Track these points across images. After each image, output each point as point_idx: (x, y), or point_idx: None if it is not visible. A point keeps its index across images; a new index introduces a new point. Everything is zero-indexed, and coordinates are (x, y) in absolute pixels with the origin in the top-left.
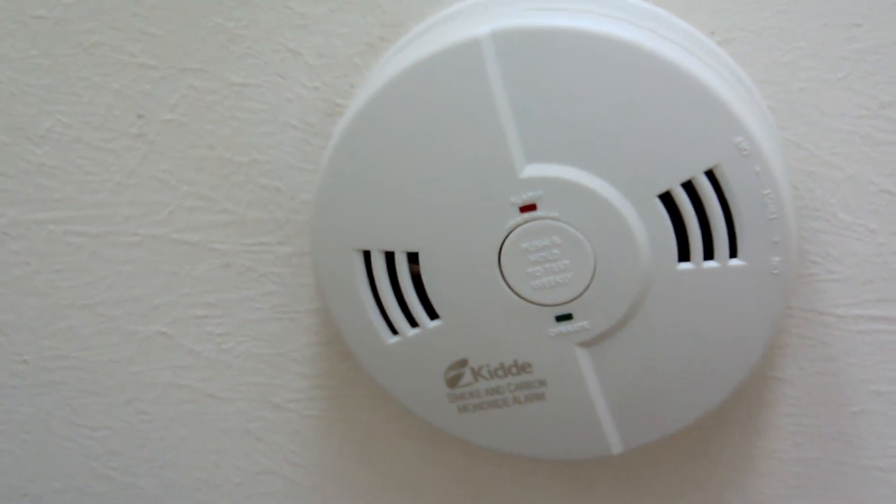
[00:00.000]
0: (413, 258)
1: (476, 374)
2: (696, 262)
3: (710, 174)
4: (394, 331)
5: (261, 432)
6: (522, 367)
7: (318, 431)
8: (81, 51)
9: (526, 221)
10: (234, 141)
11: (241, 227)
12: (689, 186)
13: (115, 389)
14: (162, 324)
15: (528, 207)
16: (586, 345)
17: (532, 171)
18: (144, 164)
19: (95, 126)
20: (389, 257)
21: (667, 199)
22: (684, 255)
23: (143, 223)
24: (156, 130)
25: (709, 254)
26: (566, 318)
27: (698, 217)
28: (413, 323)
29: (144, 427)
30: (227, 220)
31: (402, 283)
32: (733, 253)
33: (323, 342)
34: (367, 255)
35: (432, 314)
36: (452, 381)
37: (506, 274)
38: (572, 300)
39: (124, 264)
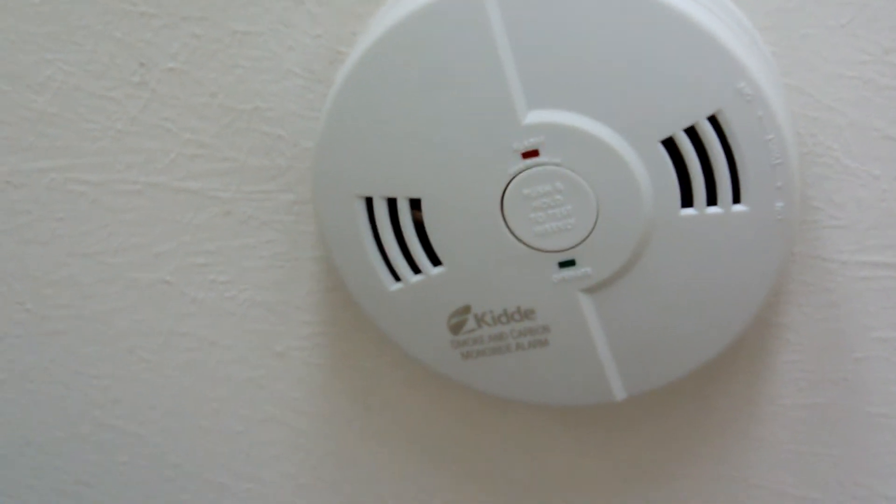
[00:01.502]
0: (415, 204)
1: (479, 320)
2: (700, 208)
3: (713, 119)
4: (396, 277)
5: (263, 380)
6: (526, 314)
7: (321, 379)
8: None
9: (528, 167)
10: (236, 89)
11: (242, 174)
12: (691, 132)
13: (117, 338)
14: (164, 272)
15: (531, 153)
16: (589, 291)
17: (534, 117)
18: (146, 112)
19: (97, 74)
20: (392, 204)
21: (670, 144)
22: (687, 200)
23: (144, 171)
24: (157, 79)
25: (712, 200)
26: (569, 264)
27: (701, 163)
28: (416, 270)
29: (147, 375)
30: (229, 168)
31: (405, 229)
32: (736, 199)
33: (325, 290)
34: (369, 202)
35: (435, 261)
36: (456, 328)
37: (508, 220)
38: (575, 246)
39: (125, 213)
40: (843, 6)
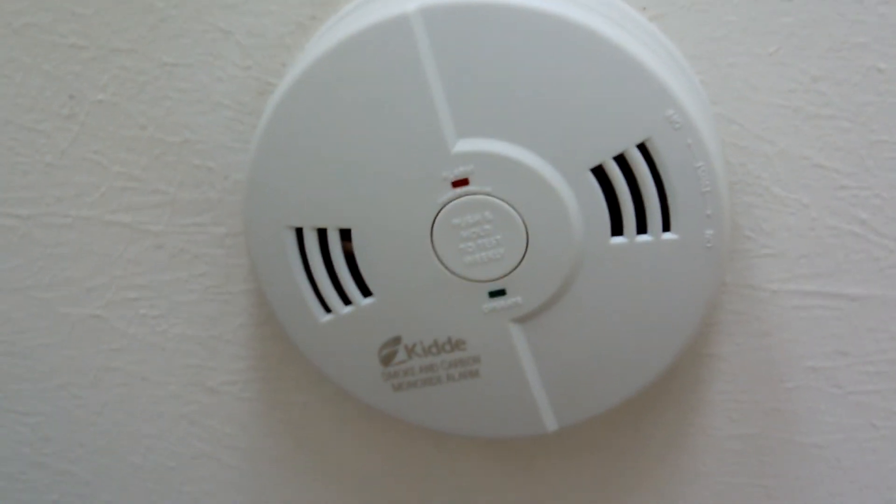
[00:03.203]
0: (346, 235)
1: (410, 351)
2: (630, 236)
3: (643, 147)
4: (327, 309)
5: (196, 416)
6: (456, 344)
7: (253, 414)
8: (11, 32)
9: (458, 196)
10: (165, 121)
11: (173, 207)
12: (621, 160)
13: (48, 374)
14: (94, 307)
15: (460, 182)
16: (520, 321)
17: (464, 145)
18: (75, 145)
19: (26, 108)
20: (322, 234)
21: (599, 172)
22: (617, 229)
23: (74, 204)
24: (86, 111)
25: (642, 228)
26: (499, 293)
27: (631, 190)
28: (346, 301)
29: (77, 412)
30: (160, 201)
31: (335, 260)
32: (666, 226)
33: (257, 323)
34: (299, 233)
35: (365, 291)
36: (386, 359)
37: (438, 250)
38: (505, 276)
39: (56, 246)
40: (770, 35)
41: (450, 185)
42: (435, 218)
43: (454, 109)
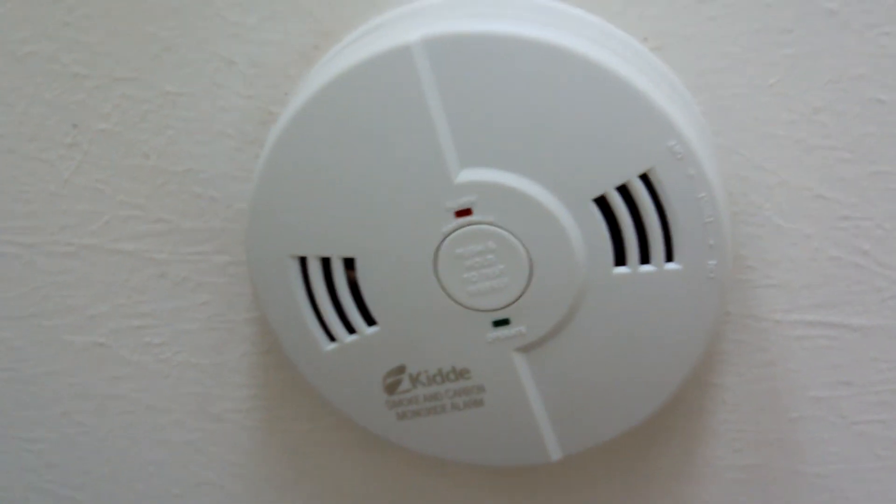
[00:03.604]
0: (349, 264)
1: (414, 380)
2: (633, 267)
3: (645, 178)
4: (331, 338)
5: (200, 443)
6: (460, 373)
7: (257, 442)
8: (14, 60)
9: (461, 226)
10: (168, 150)
11: (176, 236)
12: (624, 190)
13: (52, 401)
14: (98, 334)
15: (464, 212)
16: (524, 350)
17: (467, 175)
18: (78, 173)
19: (29, 136)
20: (326, 263)
21: (602, 203)
22: (620, 259)
23: (77, 233)
24: (89, 140)
25: (645, 258)
26: (503, 323)
27: (634, 221)
28: (350, 329)
29: (82, 439)
30: (163, 230)
31: (339, 289)
32: (669, 257)
33: (261, 351)
34: (303, 262)
35: (370, 320)
36: (391, 388)
37: (442, 279)
38: (509, 305)
39: (59, 275)
40: (771, 66)
41: (453, 215)
42: (438, 247)
43: (457, 139)
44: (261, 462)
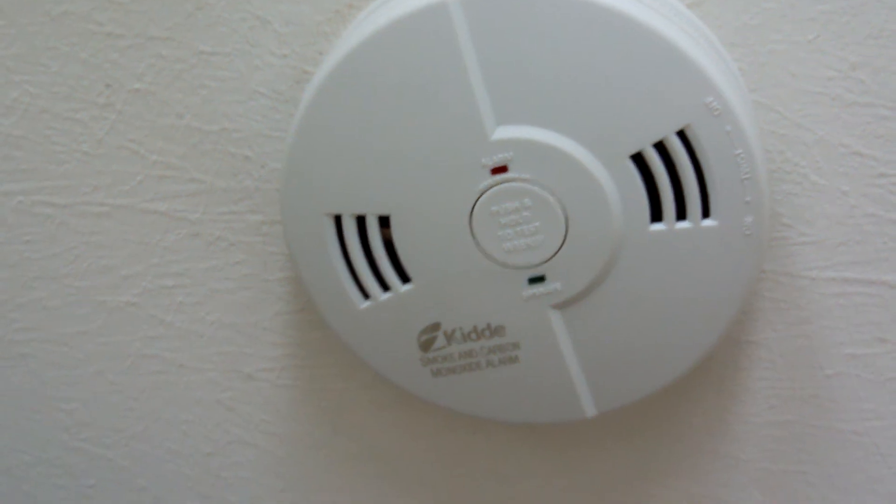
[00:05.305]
0: (384, 222)
1: (449, 337)
2: (669, 223)
3: (682, 134)
4: (366, 296)
5: (232, 402)
6: (496, 330)
7: (290, 401)
8: (48, 20)
9: (497, 183)
10: (202, 109)
11: (210, 196)
12: (660, 147)
13: (85, 361)
14: (131, 294)
15: (500, 169)
16: (559, 307)
17: (503, 132)
18: (112, 133)
19: (63, 96)
20: (360, 221)
21: (638, 159)
22: (657, 215)
23: (111, 193)
24: (123, 100)
25: (681, 214)
26: (539, 280)
27: (670, 177)
28: (385, 287)
29: (114, 398)
30: (197, 190)
31: (374, 247)
32: (706, 213)
33: (294, 311)
34: (337, 220)
35: (404, 278)
36: (425, 345)
37: (477, 237)
38: (544, 262)
39: (93, 235)
40: (809, 22)
41: (489, 173)
42: (474, 205)
43: (493, 96)
44: (294, 421)
